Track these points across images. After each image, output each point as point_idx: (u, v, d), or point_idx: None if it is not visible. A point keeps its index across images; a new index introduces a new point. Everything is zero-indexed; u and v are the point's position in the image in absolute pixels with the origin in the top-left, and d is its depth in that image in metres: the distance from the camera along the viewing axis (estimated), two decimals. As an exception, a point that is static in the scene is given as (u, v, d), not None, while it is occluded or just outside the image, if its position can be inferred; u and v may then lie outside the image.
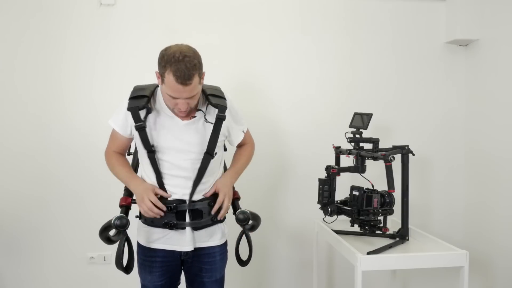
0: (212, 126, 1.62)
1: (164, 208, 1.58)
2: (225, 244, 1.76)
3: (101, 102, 2.41)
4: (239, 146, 1.84)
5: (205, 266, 1.69)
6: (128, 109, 1.57)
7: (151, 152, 1.59)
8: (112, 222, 1.56)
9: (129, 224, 1.57)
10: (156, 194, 1.59)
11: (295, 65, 2.54)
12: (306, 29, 2.54)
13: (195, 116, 1.63)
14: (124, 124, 1.63)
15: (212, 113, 1.63)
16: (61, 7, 2.39)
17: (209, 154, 1.61)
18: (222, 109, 1.61)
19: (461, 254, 1.74)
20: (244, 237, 1.72)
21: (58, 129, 2.41)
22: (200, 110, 1.63)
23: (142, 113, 1.58)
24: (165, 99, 1.58)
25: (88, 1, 2.40)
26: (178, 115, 1.60)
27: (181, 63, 1.44)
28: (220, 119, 1.62)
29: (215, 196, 1.66)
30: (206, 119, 1.61)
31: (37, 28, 2.37)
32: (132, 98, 1.59)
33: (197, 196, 1.63)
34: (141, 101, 1.57)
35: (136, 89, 1.63)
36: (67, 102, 2.41)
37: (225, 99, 1.65)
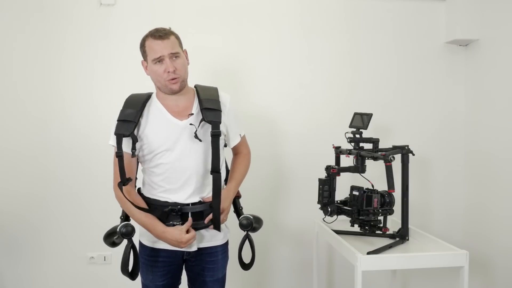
0: (201, 127, 1.61)
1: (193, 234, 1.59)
2: (227, 243, 1.77)
3: (101, 102, 2.41)
4: (236, 153, 1.83)
5: (207, 265, 1.70)
6: (115, 133, 1.57)
7: (123, 184, 1.57)
8: (118, 229, 1.55)
9: (134, 232, 1.57)
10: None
11: (295, 64, 2.54)
12: (306, 29, 2.54)
13: (192, 114, 1.63)
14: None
15: (204, 125, 1.62)
16: (61, 7, 2.39)
17: (216, 172, 1.59)
18: (216, 125, 1.59)
19: (461, 254, 1.73)
20: (247, 241, 1.71)
21: (58, 129, 2.41)
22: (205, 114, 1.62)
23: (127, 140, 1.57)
24: (155, 76, 1.61)
25: (88, 1, 2.40)
26: (172, 90, 1.60)
27: (156, 29, 1.62)
28: (215, 136, 1.59)
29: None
30: (196, 134, 1.58)
31: (37, 28, 2.37)
32: (120, 120, 1.57)
33: (197, 198, 1.63)
34: (128, 127, 1.56)
35: (125, 109, 1.60)
36: (67, 102, 2.41)
37: (220, 110, 1.62)
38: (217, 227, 1.62)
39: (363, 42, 2.57)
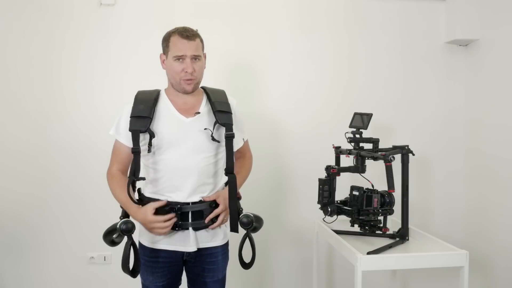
0: (216, 129, 1.64)
1: (171, 217, 1.58)
2: (227, 244, 1.77)
3: (102, 102, 2.41)
4: (238, 157, 1.84)
5: (207, 266, 1.70)
6: (130, 129, 1.58)
7: (138, 180, 1.61)
8: (118, 226, 1.54)
9: (134, 228, 1.56)
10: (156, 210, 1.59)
11: (295, 65, 2.54)
12: (306, 29, 2.54)
13: (199, 112, 1.65)
14: (128, 133, 1.61)
15: (219, 128, 1.65)
16: (61, 7, 2.39)
17: (231, 173, 1.63)
18: (229, 127, 1.64)
19: (461, 254, 1.73)
20: (247, 240, 1.70)
21: (59, 129, 2.41)
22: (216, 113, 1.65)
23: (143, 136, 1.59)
24: (172, 72, 1.62)
25: (88, 1, 2.40)
26: (185, 90, 1.63)
27: (184, 27, 1.63)
28: (229, 138, 1.63)
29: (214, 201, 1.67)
30: (213, 137, 1.62)
31: (36, 28, 2.37)
32: (134, 117, 1.59)
33: (198, 197, 1.64)
34: (144, 123, 1.58)
35: (137, 105, 1.62)
36: (67, 102, 2.41)
37: (230, 112, 1.66)
38: (235, 229, 1.64)
39: (363, 42, 2.57)
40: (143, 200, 1.68)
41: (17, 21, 2.36)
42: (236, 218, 1.63)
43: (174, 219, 1.59)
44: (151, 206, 1.58)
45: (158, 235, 1.61)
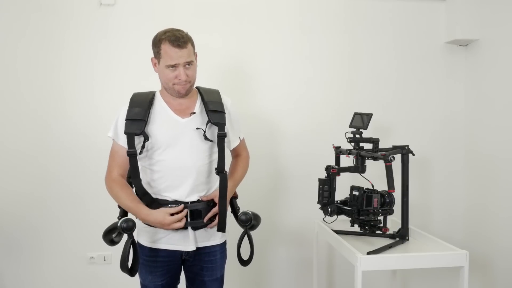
0: (209, 129, 1.64)
1: (183, 214, 1.59)
2: (225, 243, 1.77)
3: (102, 102, 2.41)
4: (235, 155, 1.86)
5: (206, 265, 1.71)
6: (125, 132, 1.58)
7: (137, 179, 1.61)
8: (119, 225, 1.54)
9: (135, 227, 1.57)
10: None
11: (295, 65, 2.54)
12: (306, 29, 2.54)
13: (194, 113, 1.66)
14: (125, 135, 1.61)
15: (211, 127, 1.65)
16: (61, 7, 2.39)
17: (222, 172, 1.63)
18: (222, 126, 1.64)
19: (461, 254, 1.73)
20: (246, 237, 1.72)
21: (58, 129, 2.41)
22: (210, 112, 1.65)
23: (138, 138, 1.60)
24: (164, 78, 1.61)
25: (88, 1, 2.40)
26: (180, 93, 1.62)
27: (174, 32, 1.58)
28: (221, 137, 1.64)
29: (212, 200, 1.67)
30: (205, 136, 1.62)
31: (36, 28, 2.37)
32: (129, 120, 1.59)
33: (196, 197, 1.64)
34: (138, 125, 1.58)
35: (133, 108, 1.62)
36: (67, 102, 2.41)
37: (223, 112, 1.67)
38: (222, 229, 1.64)
39: (363, 42, 2.57)
40: (141, 200, 1.67)
41: (17, 21, 2.36)
42: (225, 218, 1.64)
43: (185, 211, 1.60)
44: (167, 211, 1.58)
45: (173, 229, 1.60)
